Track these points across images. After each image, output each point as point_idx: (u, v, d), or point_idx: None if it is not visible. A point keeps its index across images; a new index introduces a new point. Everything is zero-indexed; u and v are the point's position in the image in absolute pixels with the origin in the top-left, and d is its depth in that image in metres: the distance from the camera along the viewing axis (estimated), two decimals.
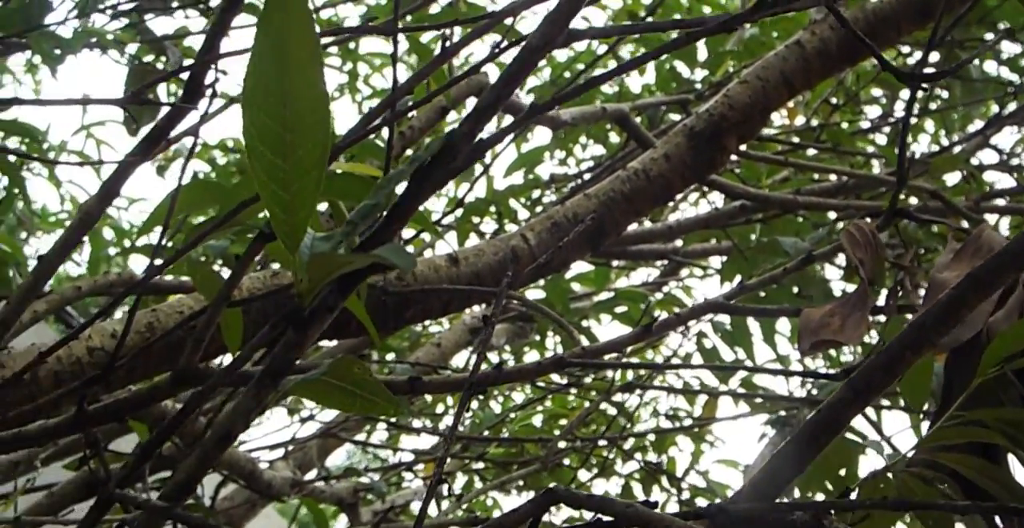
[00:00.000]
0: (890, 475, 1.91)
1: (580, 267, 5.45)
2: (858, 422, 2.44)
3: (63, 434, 2.18)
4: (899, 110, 5.36)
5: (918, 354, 0.97)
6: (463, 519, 4.86)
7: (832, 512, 0.99)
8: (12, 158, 3.81)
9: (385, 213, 0.89)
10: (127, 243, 6.23)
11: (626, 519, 0.96)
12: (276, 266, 2.71)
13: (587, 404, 5.06)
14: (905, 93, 5.40)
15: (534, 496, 1.00)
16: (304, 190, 0.84)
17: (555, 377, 5.27)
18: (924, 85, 2.15)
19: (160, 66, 3.87)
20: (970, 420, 1.98)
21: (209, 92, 2.21)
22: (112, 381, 2.38)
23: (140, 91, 2.06)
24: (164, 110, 3.18)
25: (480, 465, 5.38)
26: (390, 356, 5.62)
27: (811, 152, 4.74)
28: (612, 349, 2.30)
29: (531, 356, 5.77)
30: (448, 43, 2.15)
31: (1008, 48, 5.37)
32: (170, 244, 4.09)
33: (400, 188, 0.92)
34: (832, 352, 5.30)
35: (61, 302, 2.95)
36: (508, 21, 1.93)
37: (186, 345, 2.55)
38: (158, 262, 1.98)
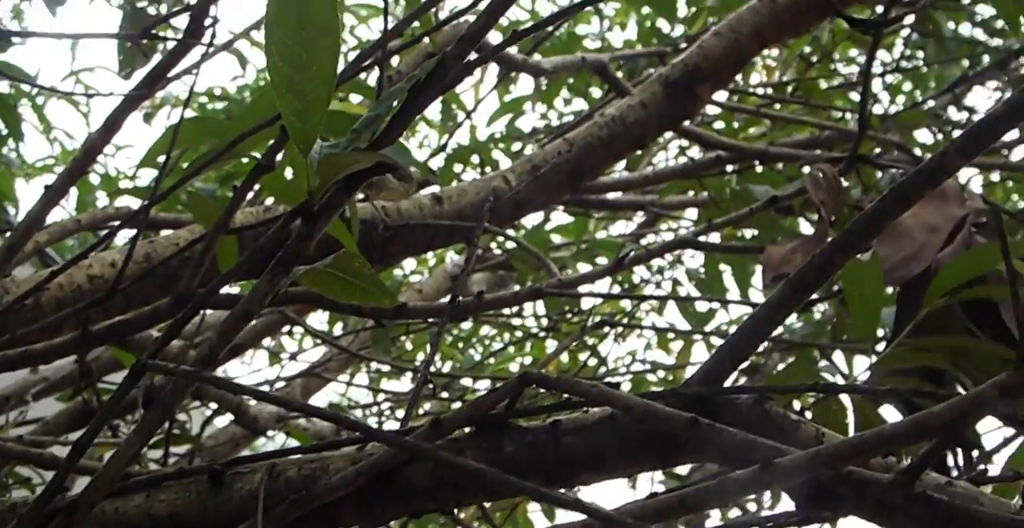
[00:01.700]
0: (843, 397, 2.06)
1: (559, 219, 5.56)
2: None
3: (67, 353, 2.29)
4: (877, 67, 5.47)
5: (847, 256, 1.11)
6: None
7: (772, 396, 1.13)
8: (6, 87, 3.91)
9: (386, 121, 1.02)
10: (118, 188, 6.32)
11: (591, 398, 1.10)
12: (269, 201, 2.83)
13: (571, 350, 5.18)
14: (882, 53, 5.54)
15: (509, 379, 1.13)
16: (317, 100, 0.97)
17: (533, 325, 5.41)
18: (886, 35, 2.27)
19: (153, 11, 3.97)
20: (918, 347, 2.12)
21: (209, 32, 2.32)
22: (111, 308, 2.50)
23: (148, 28, 2.18)
24: (157, 55, 3.30)
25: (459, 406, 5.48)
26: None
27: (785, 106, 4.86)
28: (587, 280, 2.43)
29: None
30: None
31: (982, 10, 5.49)
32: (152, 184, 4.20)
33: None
34: None
35: (62, 234, 3.06)
36: None
37: (181, 275, 2.68)
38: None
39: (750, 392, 1.13)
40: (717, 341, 5.33)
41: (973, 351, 2.15)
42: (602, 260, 5.22)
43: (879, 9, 5.07)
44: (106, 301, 2.21)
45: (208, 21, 2.30)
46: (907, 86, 5.87)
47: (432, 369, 5.83)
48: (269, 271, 1.03)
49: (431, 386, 5.34)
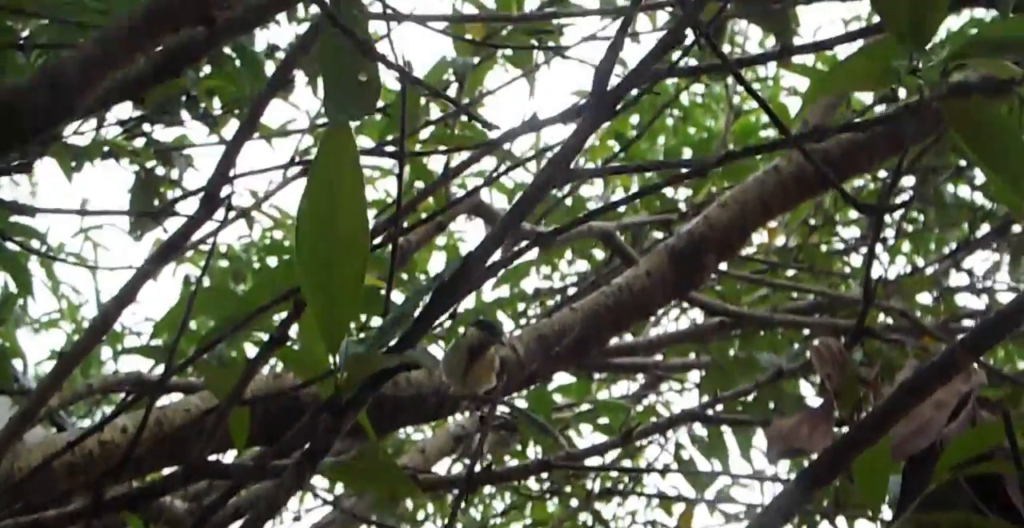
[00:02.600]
0: None
1: (562, 378, 5.57)
2: None
3: (82, 520, 2.29)
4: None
5: (860, 450, 1.13)
6: None
7: None
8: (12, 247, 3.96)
9: (412, 321, 1.06)
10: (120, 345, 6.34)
11: None
12: (278, 368, 2.86)
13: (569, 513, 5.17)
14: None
15: None
16: (345, 300, 1.01)
17: (535, 486, 5.40)
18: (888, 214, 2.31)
19: (161, 172, 4.04)
20: (925, 522, 2.13)
21: (224, 206, 2.37)
22: (123, 473, 2.52)
23: (165, 208, 2.22)
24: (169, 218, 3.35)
25: None
26: None
27: (789, 272, 4.91)
28: (594, 454, 2.45)
29: (513, 464, 5.86)
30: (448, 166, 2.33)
31: (981, 174, 5.56)
32: (159, 343, 4.24)
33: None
34: (805, 463, 5.41)
35: (73, 398, 3.09)
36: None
37: (190, 441, 2.70)
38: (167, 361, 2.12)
39: None
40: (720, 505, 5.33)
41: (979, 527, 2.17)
42: (604, 420, 5.23)
43: (882, 172, 5.16)
44: (121, 471, 2.23)
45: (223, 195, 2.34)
46: (906, 245, 5.93)
47: None
48: (295, 464, 1.05)
49: None
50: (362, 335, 1.11)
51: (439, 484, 2.11)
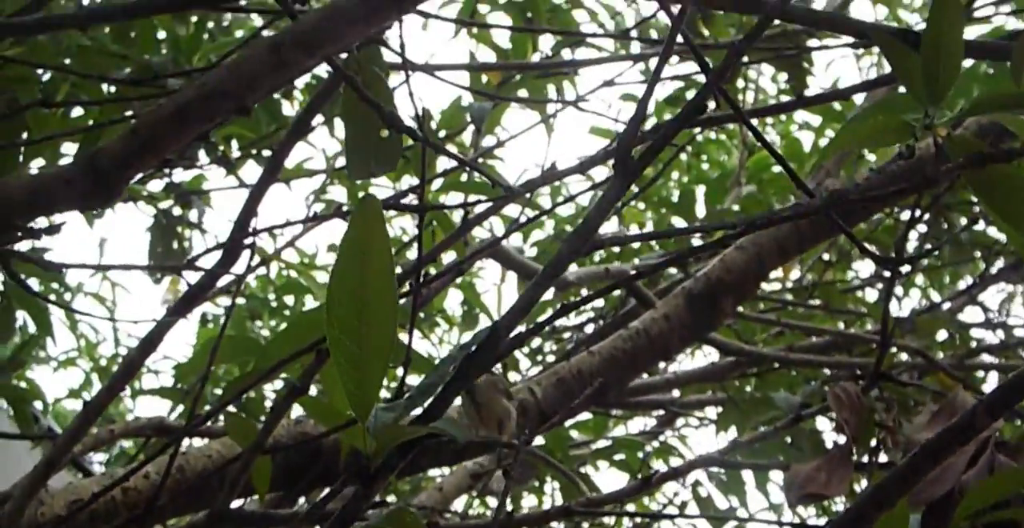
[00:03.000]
0: None
1: (579, 415, 5.58)
2: None
3: None
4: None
5: (881, 511, 1.15)
6: None
7: None
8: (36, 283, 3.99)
9: (440, 390, 1.08)
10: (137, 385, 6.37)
11: None
12: (296, 415, 2.88)
13: None
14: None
15: None
16: (374, 371, 1.03)
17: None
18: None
19: (177, 213, 4.07)
20: None
21: (246, 255, 2.39)
22: (146, 520, 2.53)
23: (190, 261, 2.25)
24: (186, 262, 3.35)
25: None
26: (391, 498, 5.72)
27: (804, 309, 4.93)
28: (614, 499, 2.47)
29: (528, 501, 5.87)
30: (468, 215, 2.35)
31: None
32: (180, 386, 4.26)
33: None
34: (825, 503, 5.42)
35: (95, 443, 3.11)
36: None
37: (212, 487, 2.71)
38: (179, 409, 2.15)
39: None
40: None
41: None
42: (620, 456, 5.24)
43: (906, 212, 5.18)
44: (146, 519, 2.25)
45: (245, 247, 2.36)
46: (920, 279, 5.93)
47: None
48: None
49: None
50: (388, 395, 1.14)
51: None
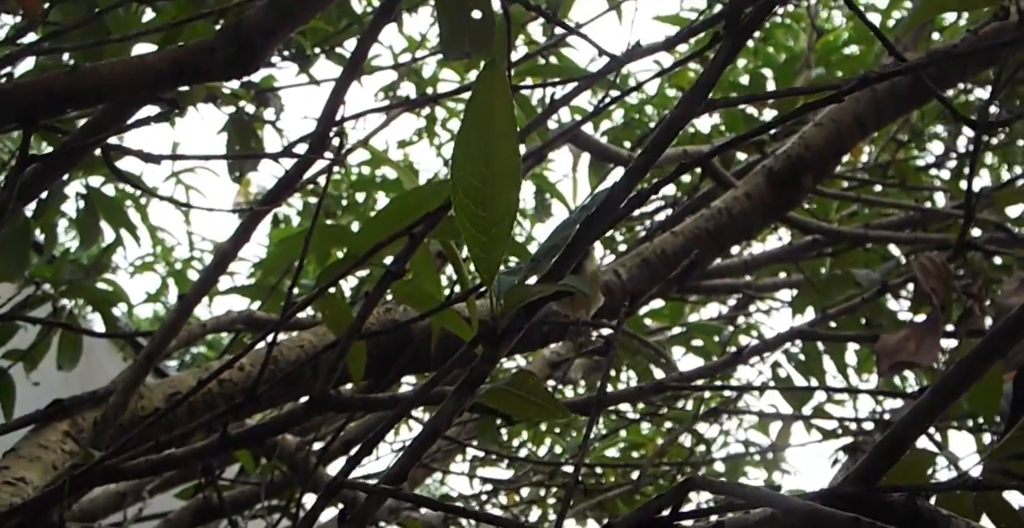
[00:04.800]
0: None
1: (653, 303, 5.61)
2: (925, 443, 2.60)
3: (207, 456, 2.36)
4: (961, 145, 5.51)
5: (990, 363, 1.16)
6: None
7: (924, 494, 1.19)
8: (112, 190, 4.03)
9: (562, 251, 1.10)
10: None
11: (754, 500, 1.16)
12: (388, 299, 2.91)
13: (664, 435, 5.24)
14: (967, 128, 5.57)
15: (674, 485, 1.20)
16: (499, 234, 1.05)
17: (625, 409, 5.45)
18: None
19: (252, 112, 4.09)
20: None
21: (334, 147, 2.42)
22: (243, 410, 2.59)
23: (290, 146, 2.27)
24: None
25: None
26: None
27: (879, 187, 4.92)
28: (704, 374, 2.50)
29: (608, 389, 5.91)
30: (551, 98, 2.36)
31: None
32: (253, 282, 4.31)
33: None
34: (896, 380, 5.44)
35: (189, 338, 3.16)
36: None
37: (306, 376, 2.76)
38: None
39: (903, 491, 1.19)
40: (816, 422, 5.37)
41: None
42: (697, 342, 5.28)
43: (977, 91, 5.14)
44: (248, 406, 2.30)
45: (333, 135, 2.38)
46: (989, 157, 5.90)
47: (526, 454, 5.90)
48: (456, 392, 1.10)
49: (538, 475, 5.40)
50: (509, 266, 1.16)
51: (571, 407, 2.15)
